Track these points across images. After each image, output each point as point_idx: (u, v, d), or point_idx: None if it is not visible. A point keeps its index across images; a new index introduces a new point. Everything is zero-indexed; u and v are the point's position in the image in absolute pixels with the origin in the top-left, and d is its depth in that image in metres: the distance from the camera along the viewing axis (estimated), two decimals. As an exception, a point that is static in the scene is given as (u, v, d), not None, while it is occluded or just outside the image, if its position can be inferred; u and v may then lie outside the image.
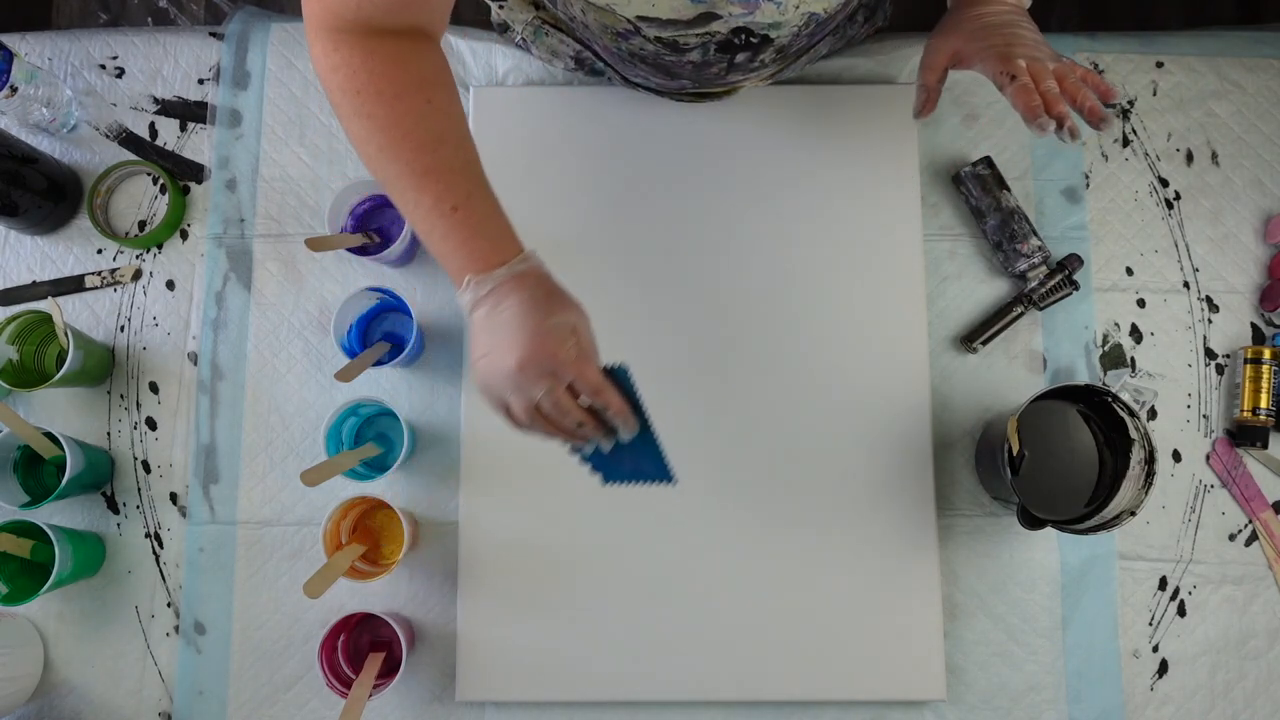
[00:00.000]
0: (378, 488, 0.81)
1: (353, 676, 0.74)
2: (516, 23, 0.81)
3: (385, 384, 0.84)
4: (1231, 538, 0.81)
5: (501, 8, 0.81)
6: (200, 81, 0.89)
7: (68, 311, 0.85)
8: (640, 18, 0.63)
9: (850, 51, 0.87)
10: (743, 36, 0.66)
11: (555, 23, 0.80)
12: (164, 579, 0.81)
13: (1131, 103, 0.88)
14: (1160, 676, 0.79)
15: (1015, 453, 0.72)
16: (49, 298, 0.83)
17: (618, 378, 0.60)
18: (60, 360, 0.79)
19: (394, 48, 0.58)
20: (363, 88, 0.57)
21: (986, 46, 0.65)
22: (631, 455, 0.64)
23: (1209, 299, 0.85)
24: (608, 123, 0.85)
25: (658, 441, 0.63)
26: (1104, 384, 0.83)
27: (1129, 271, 0.85)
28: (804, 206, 0.84)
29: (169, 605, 0.81)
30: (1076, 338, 0.84)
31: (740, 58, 0.70)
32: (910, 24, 0.92)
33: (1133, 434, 0.74)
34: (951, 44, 0.67)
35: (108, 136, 0.88)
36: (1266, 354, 0.81)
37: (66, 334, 0.76)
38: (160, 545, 0.82)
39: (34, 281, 0.86)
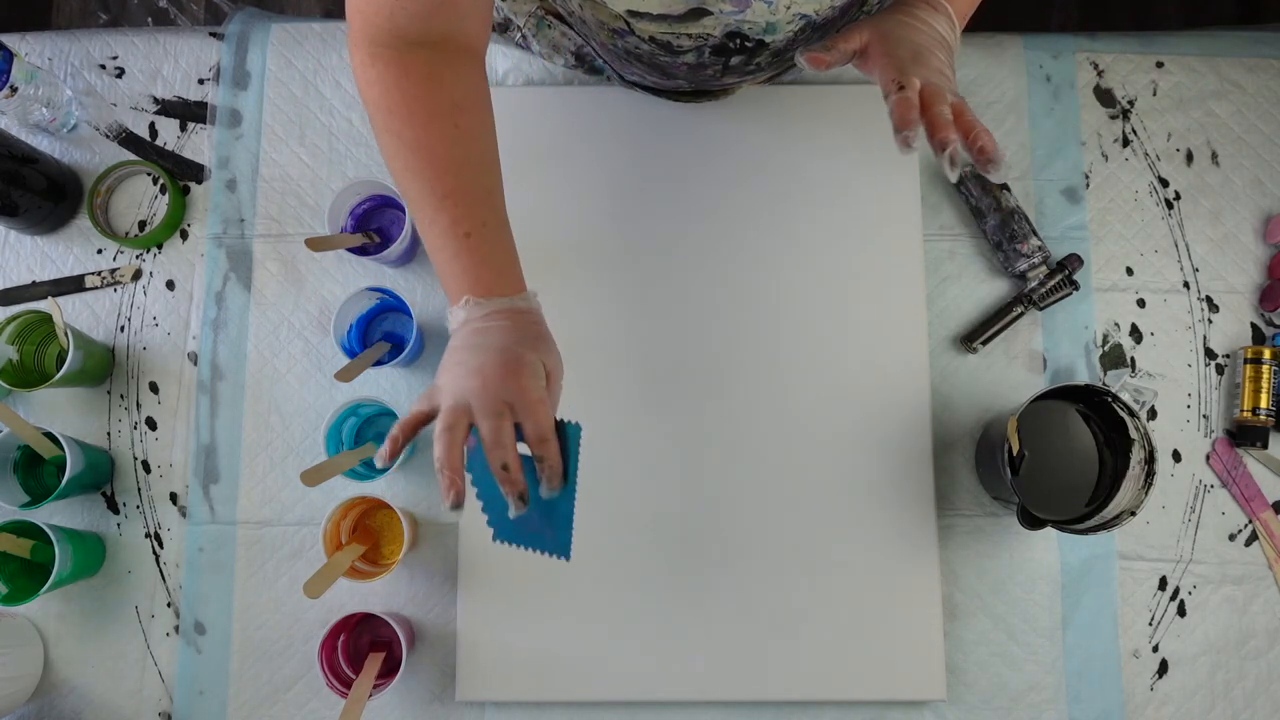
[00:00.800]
0: (378, 488, 0.81)
1: (353, 676, 0.74)
2: (519, 14, 0.81)
3: (385, 384, 0.84)
4: (1231, 538, 0.81)
5: (504, 1, 0.81)
6: (200, 81, 0.89)
7: (68, 311, 0.85)
8: (630, 12, 0.62)
9: (850, 51, 0.87)
10: (737, 41, 0.66)
11: (557, 14, 0.80)
12: (164, 579, 0.81)
13: (1132, 103, 0.88)
14: (1160, 676, 0.79)
15: (1015, 453, 0.72)
16: (49, 298, 0.83)
17: (567, 434, 0.57)
18: (60, 360, 0.79)
19: (429, 67, 0.58)
20: (394, 107, 0.58)
21: (892, 54, 0.61)
22: (540, 518, 0.58)
23: (1209, 299, 0.85)
24: (607, 123, 0.85)
25: (572, 517, 0.57)
26: (1104, 384, 0.83)
27: (1129, 271, 0.85)
28: (804, 207, 0.84)
29: (169, 605, 0.81)
30: (1076, 338, 0.84)
31: (735, 60, 0.70)
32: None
33: (1133, 434, 0.74)
34: (868, 35, 0.62)
35: (108, 136, 0.88)
36: (1266, 354, 0.81)
37: (66, 334, 0.76)
38: (160, 545, 0.82)
39: (34, 281, 0.86)
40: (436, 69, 0.59)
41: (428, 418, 0.57)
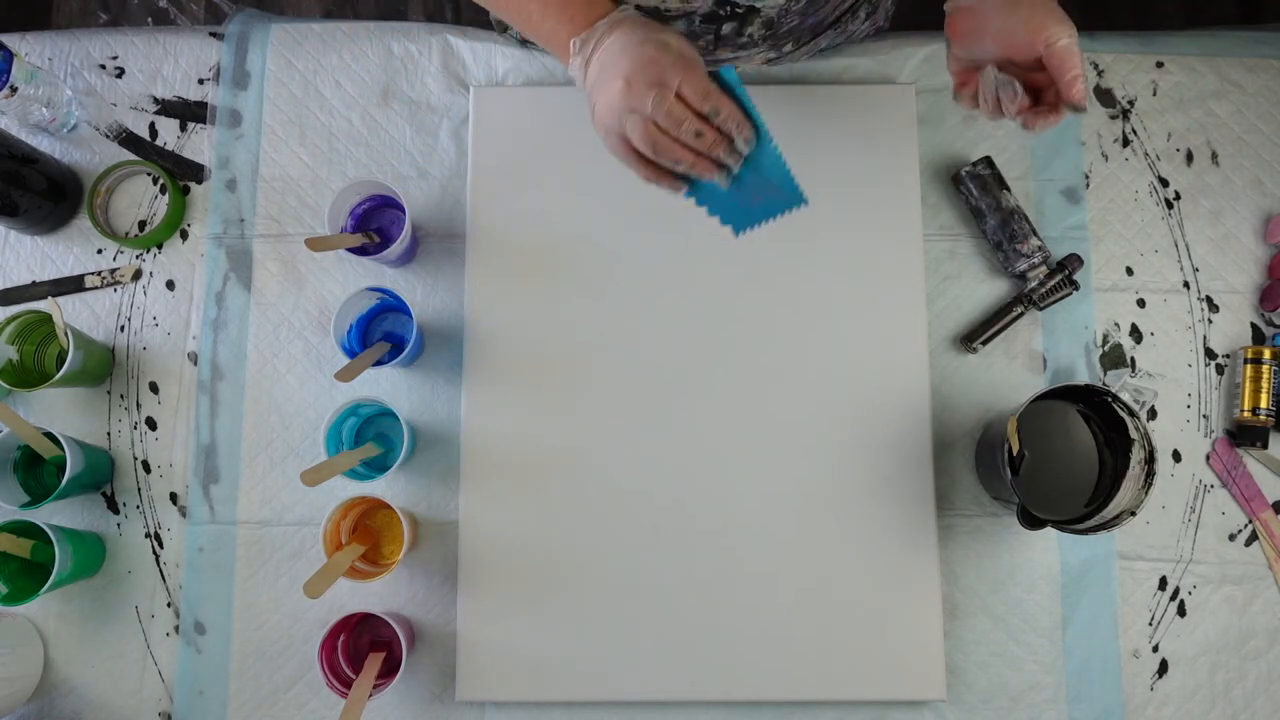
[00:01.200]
0: (378, 488, 0.81)
1: (353, 676, 0.74)
2: None
3: (385, 384, 0.84)
4: (1231, 538, 0.81)
5: None
6: (200, 81, 0.89)
7: (68, 311, 0.85)
8: None
9: (850, 51, 0.87)
10: (727, 8, 0.66)
11: None
12: (164, 579, 0.81)
13: (1131, 103, 0.88)
14: (1160, 676, 0.79)
15: (1015, 453, 0.72)
16: (49, 298, 0.83)
17: (724, 81, 0.59)
18: (60, 360, 0.79)
19: None
20: None
21: (1053, 38, 0.58)
22: (755, 184, 0.61)
23: (1209, 299, 0.85)
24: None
25: (779, 153, 0.60)
26: (1104, 384, 0.83)
27: (1129, 271, 0.85)
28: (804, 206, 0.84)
29: (169, 605, 0.81)
30: (1076, 338, 0.84)
31: (727, 29, 0.69)
32: (910, 24, 0.92)
33: (1133, 434, 0.74)
34: (1038, 42, 0.59)
35: (108, 136, 0.88)
36: (1266, 354, 0.81)
37: (66, 334, 0.76)
38: (160, 545, 0.82)
39: (34, 281, 0.86)
40: None
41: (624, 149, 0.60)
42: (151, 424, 0.84)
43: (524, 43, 0.84)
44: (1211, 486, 0.82)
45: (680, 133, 0.57)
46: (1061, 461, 0.78)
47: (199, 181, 0.87)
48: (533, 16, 0.61)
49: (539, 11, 0.61)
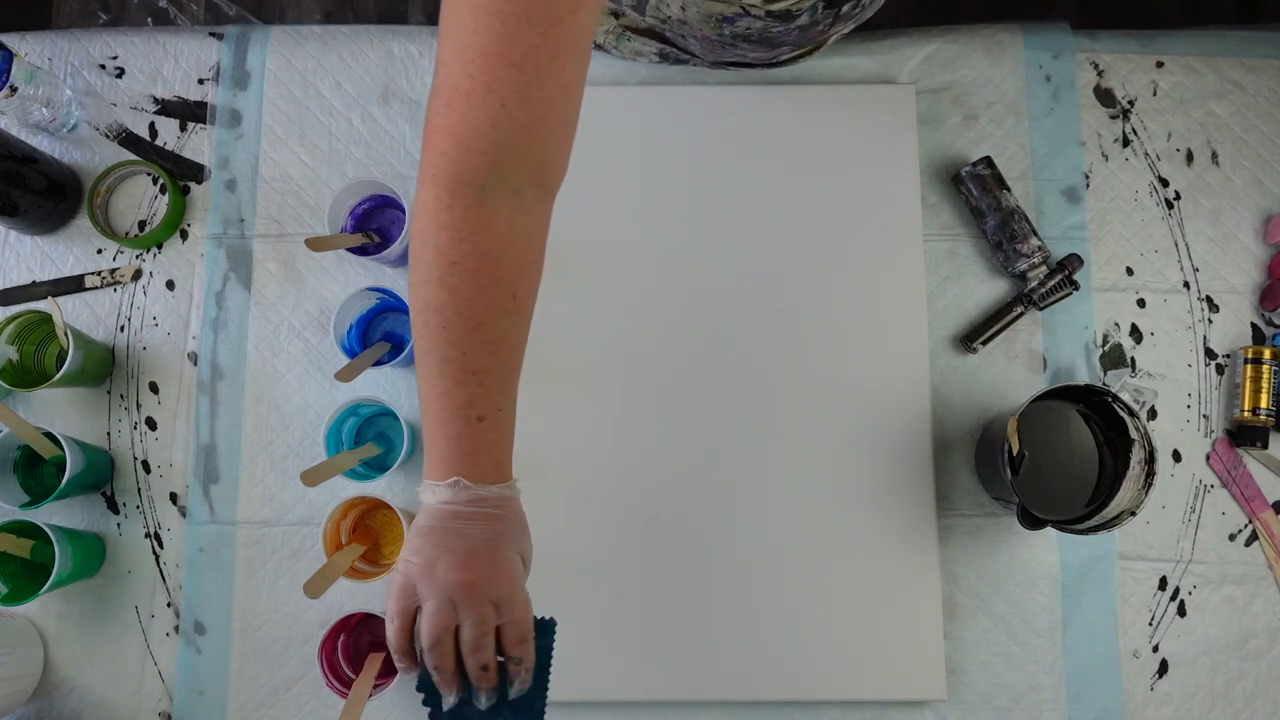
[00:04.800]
0: (378, 488, 0.81)
1: (353, 676, 0.74)
2: (598, 33, 0.82)
3: (385, 384, 0.84)
4: (1231, 538, 0.81)
5: None
6: (200, 81, 0.89)
7: (68, 311, 0.85)
8: None
9: (850, 51, 0.87)
10: None
11: (637, 28, 0.81)
12: (164, 579, 0.81)
13: (1132, 103, 0.88)
14: (1160, 676, 0.79)
15: (1015, 453, 0.72)
16: (49, 298, 0.83)
17: (543, 630, 0.56)
18: (60, 360, 0.79)
19: (509, 223, 0.53)
20: (463, 260, 0.52)
21: None
22: (512, 716, 0.56)
23: (1209, 299, 0.85)
24: (607, 124, 0.85)
25: (544, 713, 0.56)
26: (1104, 384, 0.83)
27: (1129, 271, 0.85)
28: (804, 206, 0.84)
29: (169, 605, 0.81)
30: (1076, 338, 0.84)
31: (846, 7, 0.68)
32: (910, 22, 0.92)
33: (1133, 434, 0.74)
34: None
35: (108, 136, 0.88)
36: (1266, 354, 0.81)
37: (66, 334, 0.76)
38: (160, 545, 0.82)
39: (34, 281, 0.86)
40: (515, 224, 0.53)
41: (415, 617, 0.54)
42: (151, 424, 0.84)
43: (604, 50, 0.85)
44: (1211, 486, 0.82)
45: (471, 660, 0.53)
46: (1061, 461, 0.78)
47: (199, 181, 0.87)
48: (447, 428, 0.54)
49: (456, 434, 0.54)
